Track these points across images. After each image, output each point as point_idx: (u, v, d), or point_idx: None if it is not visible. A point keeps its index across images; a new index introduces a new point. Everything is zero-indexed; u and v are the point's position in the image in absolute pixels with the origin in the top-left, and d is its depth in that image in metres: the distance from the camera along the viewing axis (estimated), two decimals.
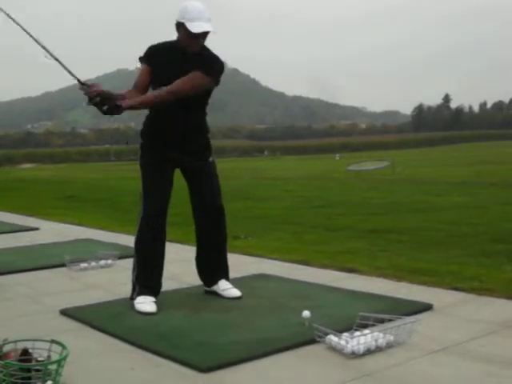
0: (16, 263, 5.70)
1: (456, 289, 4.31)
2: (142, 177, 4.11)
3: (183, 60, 3.97)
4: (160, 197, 4.08)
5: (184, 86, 3.89)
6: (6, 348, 2.69)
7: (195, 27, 3.87)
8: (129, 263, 5.45)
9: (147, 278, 4.06)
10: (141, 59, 4.06)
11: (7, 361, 2.54)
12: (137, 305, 3.94)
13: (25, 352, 2.66)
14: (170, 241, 6.61)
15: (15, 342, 2.72)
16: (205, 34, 3.93)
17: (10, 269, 5.43)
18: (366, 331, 3.14)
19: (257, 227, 8.10)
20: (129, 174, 26.37)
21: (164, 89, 3.88)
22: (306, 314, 3.45)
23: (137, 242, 4.10)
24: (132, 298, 4.05)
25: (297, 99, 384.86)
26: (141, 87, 4.02)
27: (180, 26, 3.93)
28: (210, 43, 4.05)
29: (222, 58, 4.15)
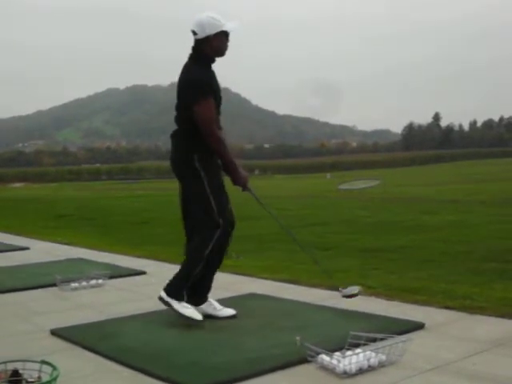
0: (6, 283, 5.68)
1: (448, 307, 4.32)
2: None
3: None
4: None
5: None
6: None
7: (233, 25, 3.95)
8: (120, 283, 5.44)
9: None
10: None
11: None
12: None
13: (15, 373, 2.64)
14: (165, 260, 6.61)
15: (5, 362, 2.70)
16: None
17: (0, 288, 5.40)
18: (358, 350, 3.14)
19: (248, 246, 8.08)
20: (120, 194, 26.32)
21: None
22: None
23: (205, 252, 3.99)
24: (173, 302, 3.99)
25: (287, 118, 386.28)
26: None
27: (215, 36, 3.92)
28: None
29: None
